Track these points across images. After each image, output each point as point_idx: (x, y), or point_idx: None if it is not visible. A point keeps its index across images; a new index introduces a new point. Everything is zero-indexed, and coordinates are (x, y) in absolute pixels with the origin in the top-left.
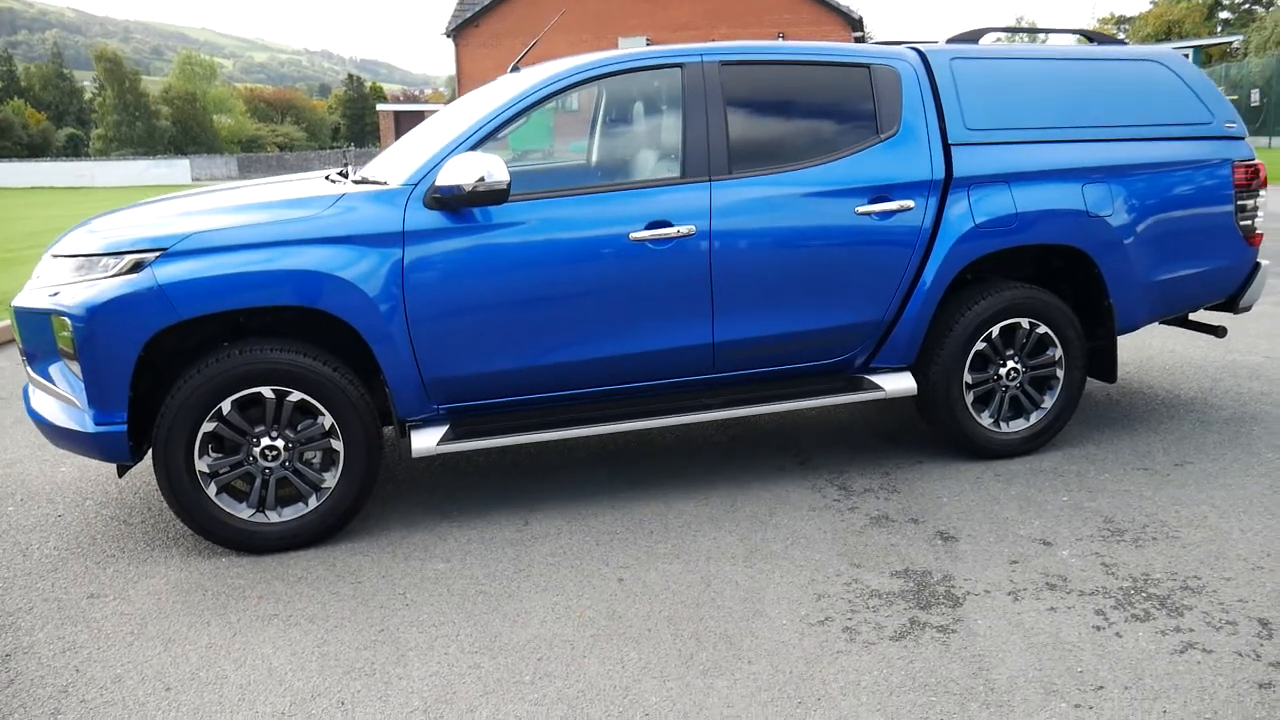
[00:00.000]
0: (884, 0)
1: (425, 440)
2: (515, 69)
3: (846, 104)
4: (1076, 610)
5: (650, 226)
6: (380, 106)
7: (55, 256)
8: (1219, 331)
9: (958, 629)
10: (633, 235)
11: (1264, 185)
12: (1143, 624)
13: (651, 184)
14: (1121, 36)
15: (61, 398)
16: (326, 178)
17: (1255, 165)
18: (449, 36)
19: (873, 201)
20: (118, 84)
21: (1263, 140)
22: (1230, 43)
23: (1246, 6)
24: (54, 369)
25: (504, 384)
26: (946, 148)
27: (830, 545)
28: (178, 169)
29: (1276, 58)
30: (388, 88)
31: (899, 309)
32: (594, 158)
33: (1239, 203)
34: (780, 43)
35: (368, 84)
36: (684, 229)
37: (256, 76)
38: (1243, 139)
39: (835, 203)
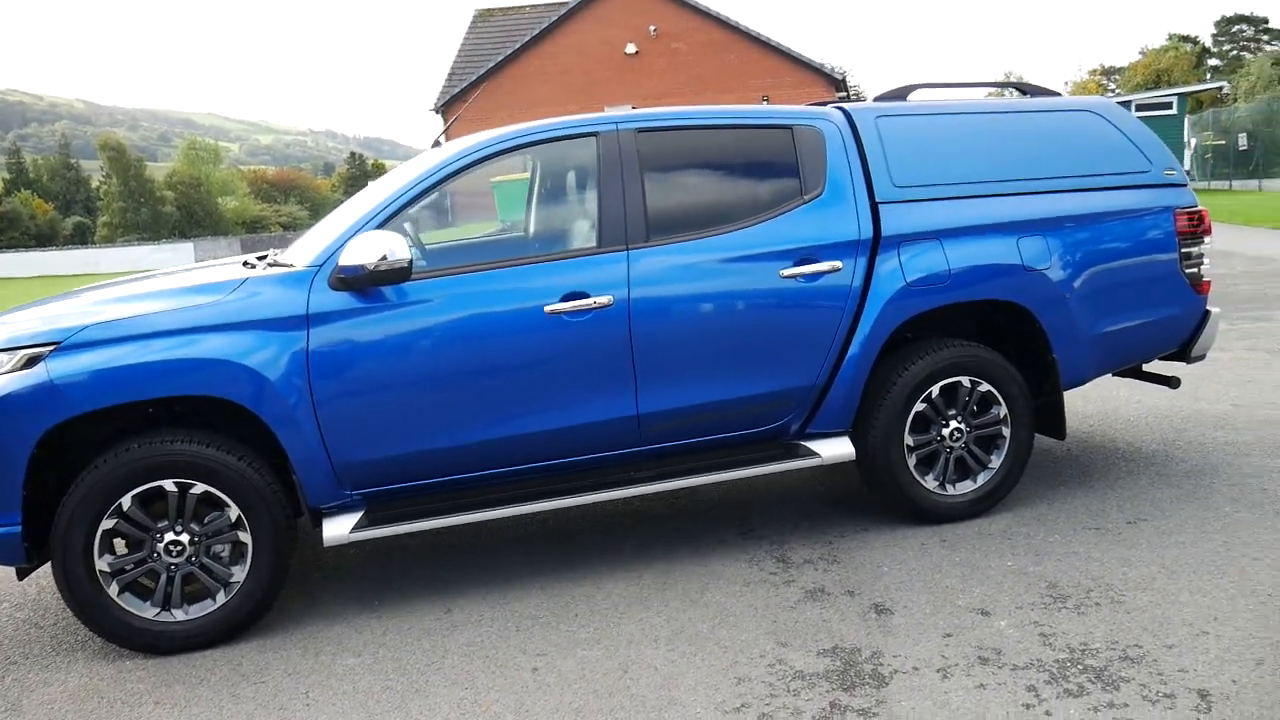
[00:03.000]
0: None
1: (337, 528)
2: (438, 144)
3: (769, 166)
4: (1007, 687)
5: (566, 298)
6: None
7: None
8: (1172, 382)
9: (879, 712)
10: (548, 308)
11: (1208, 232)
12: (1075, 699)
13: (568, 255)
14: (1112, 87)
15: None
16: (244, 263)
17: (1198, 212)
18: (437, 112)
19: (798, 264)
20: (122, 171)
21: (1253, 184)
22: (1220, 88)
23: (1234, 53)
24: None
25: (420, 466)
26: (874, 206)
27: (759, 623)
28: (181, 252)
29: (1265, 102)
30: (389, 163)
31: (832, 372)
32: (526, 229)
33: (1183, 250)
34: (700, 107)
35: (369, 161)
36: (601, 299)
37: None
38: (1184, 186)
39: (759, 267)
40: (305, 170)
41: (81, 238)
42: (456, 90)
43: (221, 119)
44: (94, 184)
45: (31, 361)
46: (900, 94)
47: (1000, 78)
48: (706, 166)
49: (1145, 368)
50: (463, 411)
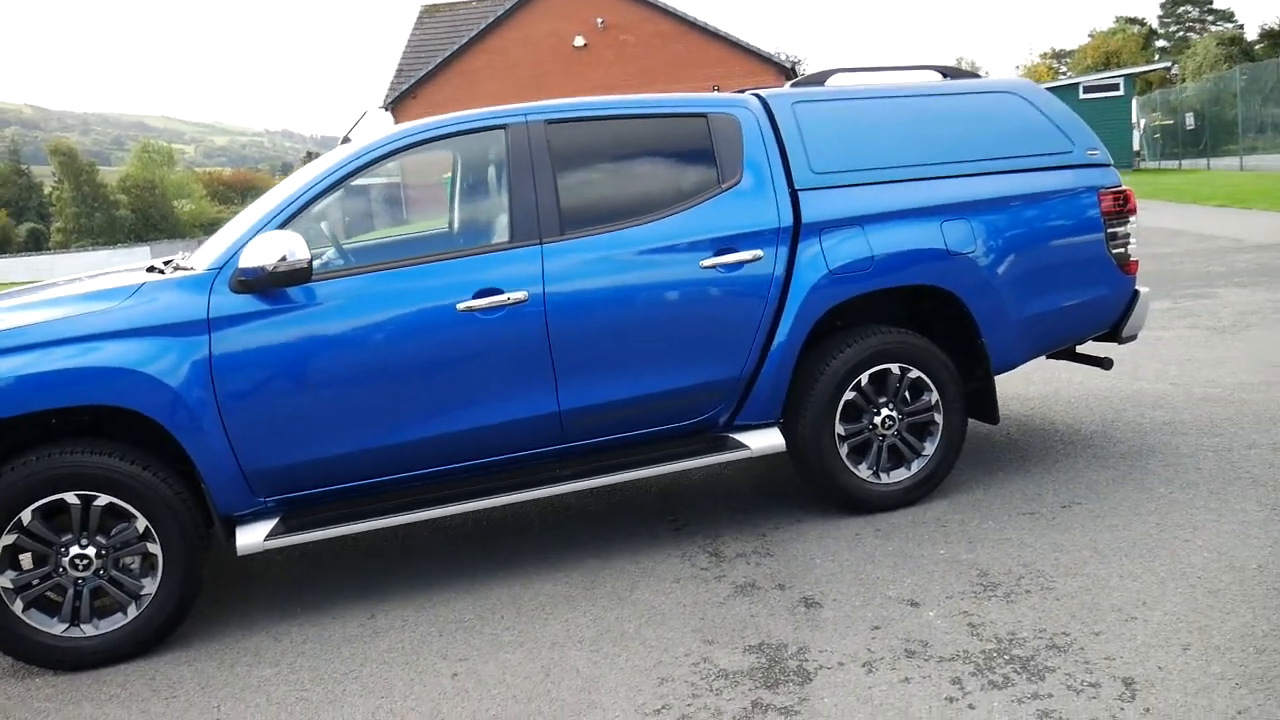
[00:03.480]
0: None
1: (251, 536)
2: (346, 140)
3: (684, 156)
4: (932, 680)
5: (479, 295)
6: None
7: None
8: (1105, 363)
9: (801, 710)
10: (460, 305)
11: (1133, 211)
12: (999, 691)
13: (480, 250)
14: (1063, 70)
15: None
16: (150, 268)
17: (1123, 191)
18: (387, 110)
19: (718, 254)
20: (74, 176)
21: (1202, 162)
22: (1168, 68)
23: (1181, 34)
24: None
25: (334, 470)
26: (794, 194)
27: (686, 621)
28: (137, 256)
29: (1211, 82)
30: None
31: (757, 363)
32: (450, 225)
33: (1109, 230)
34: (611, 97)
35: None
36: (515, 295)
37: (218, 160)
38: (1108, 165)
39: (677, 258)
40: (263, 171)
41: (36, 244)
42: (405, 86)
43: (176, 121)
44: (46, 190)
45: None
46: (818, 79)
47: (952, 63)
48: (620, 157)
49: (1079, 349)
50: (375, 414)
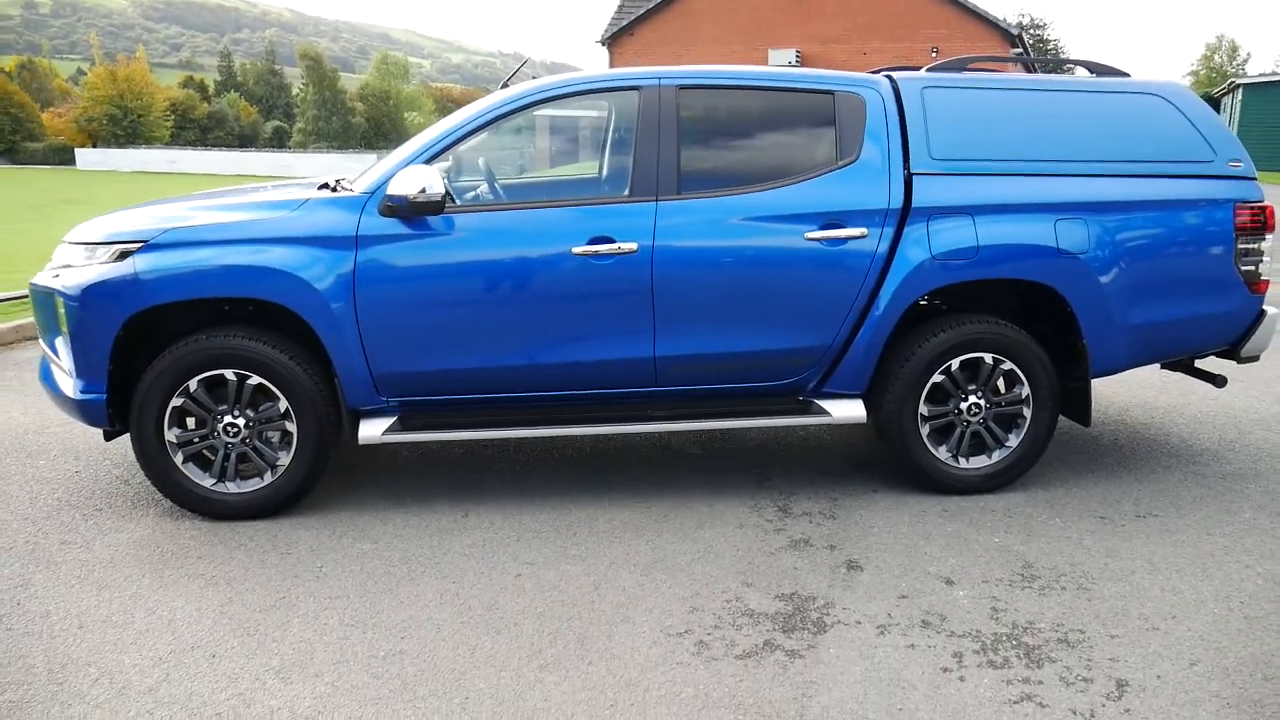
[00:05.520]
0: (1076, 5)
1: (372, 429)
2: (505, 85)
3: (806, 130)
4: (935, 650)
5: (593, 241)
6: None
7: (67, 243)
8: (1219, 381)
9: (806, 655)
10: (575, 249)
11: (1271, 229)
12: (994, 670)
13: (601, 201)
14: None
15: (60, 367)
16: (323, 184)
17: (1263, 207)
18: (603, 44)
19: (824, 227)
20: (318, 81)
21: None
22: None
23: None
24: (58, 341)
25: (448, 383)
26: (909, 177)
27: (734, 563)
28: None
29: None
30: None
31: (849, 336)
32: (587, 173)
33: (1240, 246)
34: (744, 68)
35: None
36: (626, 246)
37: (451, 77)
38: (1251, 179)
39: (783, 227)
40: (490, 91)
41: (279, 141)
42: (624, 23)
43: (418, 35)
44: (294, 91)
45: (123, 256)
46: (957, 65)
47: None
48: (744, 126)
49: (1197, 364)
50: (488, 337)
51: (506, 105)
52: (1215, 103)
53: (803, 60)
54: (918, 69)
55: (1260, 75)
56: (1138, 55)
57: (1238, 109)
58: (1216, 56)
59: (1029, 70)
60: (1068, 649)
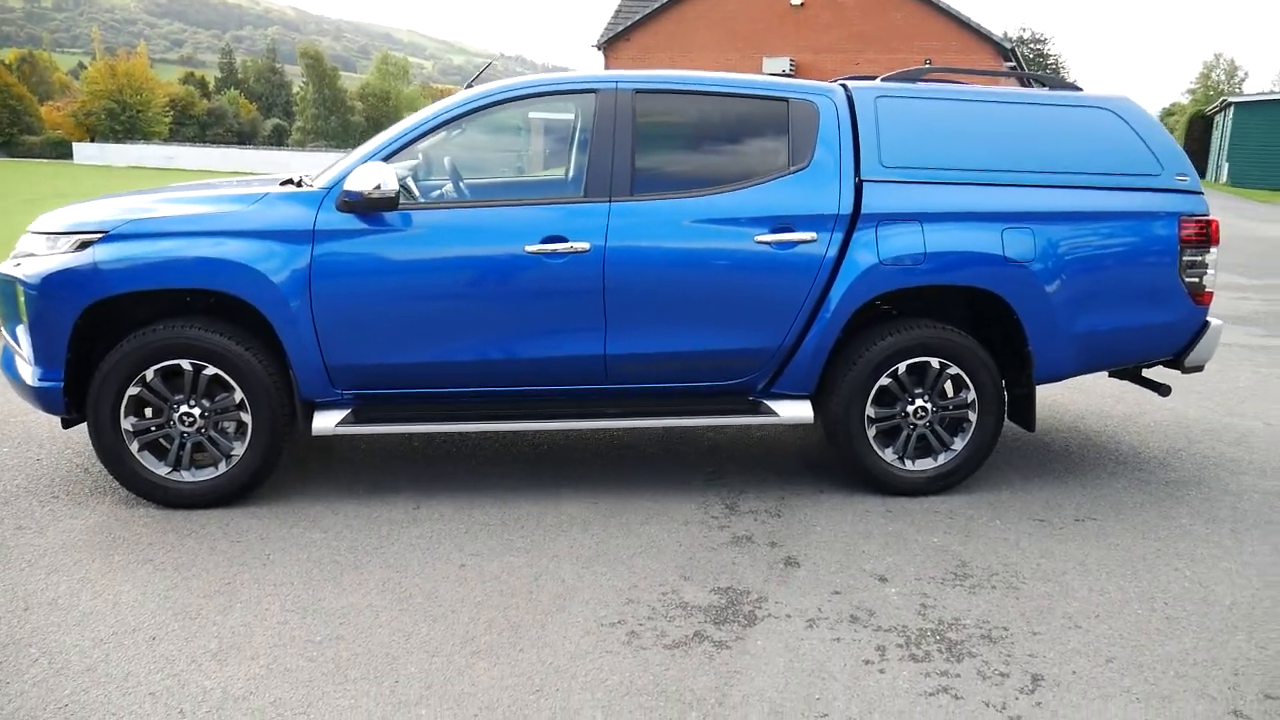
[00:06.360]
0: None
1: (325, 421)
2: (470, 85)
3: (759, 136)
4: (860, 644)
5: (546, 240)
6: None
7: (30, 232)
8: (1163, 390)
9: (733, 646)
10: (528, 248)
11: (1215, 243)
12: (914, 664)
13: (555, 200)
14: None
15: (20, 355)
16: (286, 180)
17: (1208, 221)
18: (599, 49)
19: (774, 231)
20: (318, 80)
21: None
22: None
23: None
24: (19, 329)
25: (402, 377)
26: (859, 184)
27: (675, 557)
28: None
29: None
30: None
31: (798, 338)
32: (533, 174)
33: (1185, 258)
34: (701, 73)
35: None
36: (579, 245)
37: (453, 78)
38: (1198, 194)
39: (735, 230)
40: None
41: (278, 139)
42: (620, 28)
43: (420, 36)
44: (294, 89)
45: (83, 246)
46: (912, 76)
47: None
48: (699, 130)
49: (1145, 374)
50: (441, 332)
51: (464, 106)
52: (1209, 121)
53: (797, 69)
54: (873, 78)
55: (1253, 94)
56: (1138, 71)
57: (1229, 127)
58: (1214, 74)
59: (1009, 81)
60: (990, 644)
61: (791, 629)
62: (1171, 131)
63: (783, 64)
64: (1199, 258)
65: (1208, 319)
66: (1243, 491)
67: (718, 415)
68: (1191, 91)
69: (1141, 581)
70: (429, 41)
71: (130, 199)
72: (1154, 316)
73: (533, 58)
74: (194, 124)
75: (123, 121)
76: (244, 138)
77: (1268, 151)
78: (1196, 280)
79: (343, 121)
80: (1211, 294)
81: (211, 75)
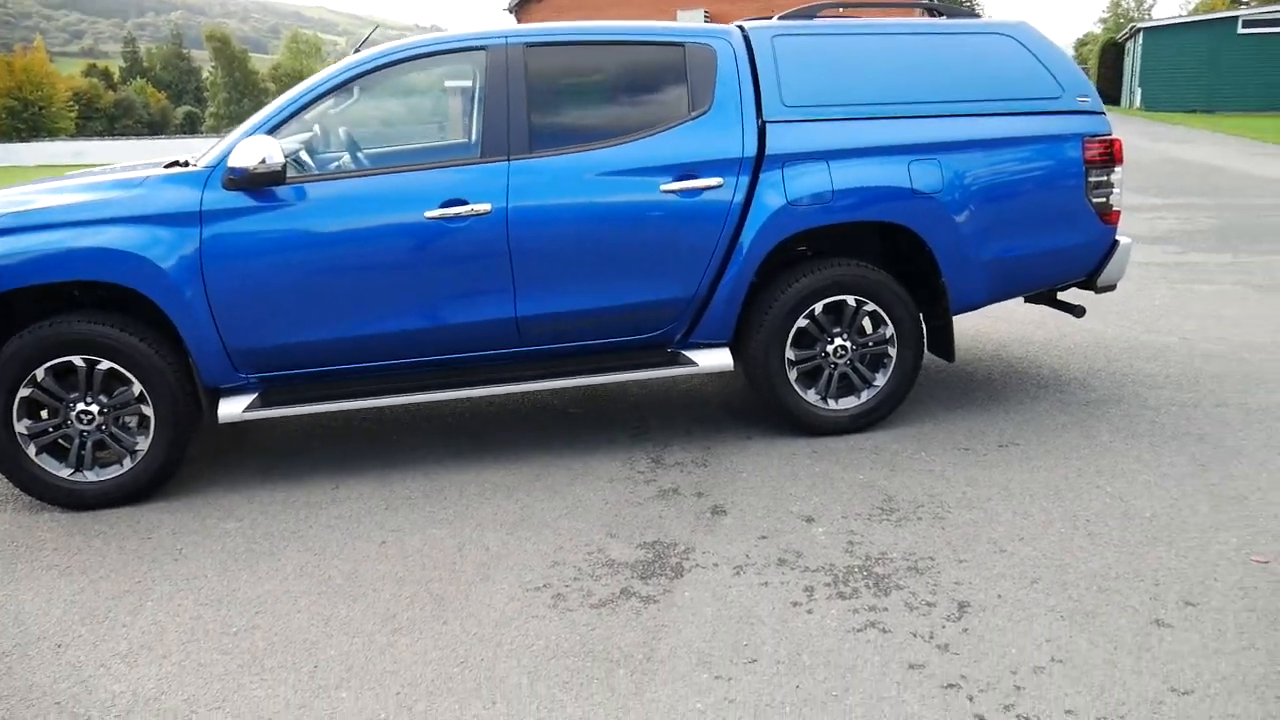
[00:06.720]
0: None
1: (232, 408)
2: (357, 50)
3: (657, 83)
4: (787, 586)
5: (446, 204)
6: None
7: None
8: (1078, 311)
9: (660, 600)
10: (428, 213)
11: (1119, 161)
12: (842, 602)
13: (454, 163)
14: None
15: None
16: (175, 161)
17: (1111, 140)
18: (510, 12)
19: (679, 179)
20: (227, 63)
21: None
22: None
23: None
24: None
25: (307, 355)
26: (762, 125)
27: (601, 516)
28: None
29: None
30: None
31: (711, 286)
32: (438, 140)
33: (1091, 179)
34: (593, 23)
35: None
36: (480, 207)
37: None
38: (1099, 114)
39: (638, 180)
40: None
41: (191, 126)
42: None
43: (330, 12)
44: (204, 74)
45: None
46: (808, 13)
47: None
48: (595, 82)
49: (1059, 296)
50: (344, 307)
51: (348, 71)
52: (1120, 48)
53: (710, 19)
54: (769, 18)
55: (1160, 19)
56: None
57: (1139, 53)
58: (1124, 2)
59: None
60: (916, 576)
61: (719, 577)
62: (1086, 61)
63: (697, 16)
64: (1105, 177)
65: (1117, 238)
66: (1160, 405)
67: (637, 370)
68: (1104, 20)
69: (1064, 501)
70: (339, 17)
71: (5, 192)
72: (1064, 239)
73: (449, 27)
74: (101, 117)
75: (25, 120)
76: (155, 128)
77: (1177, 75)
78: (1104, 200)
79: (256, 104)
80: (1119, 212)
81: (116, 65)
